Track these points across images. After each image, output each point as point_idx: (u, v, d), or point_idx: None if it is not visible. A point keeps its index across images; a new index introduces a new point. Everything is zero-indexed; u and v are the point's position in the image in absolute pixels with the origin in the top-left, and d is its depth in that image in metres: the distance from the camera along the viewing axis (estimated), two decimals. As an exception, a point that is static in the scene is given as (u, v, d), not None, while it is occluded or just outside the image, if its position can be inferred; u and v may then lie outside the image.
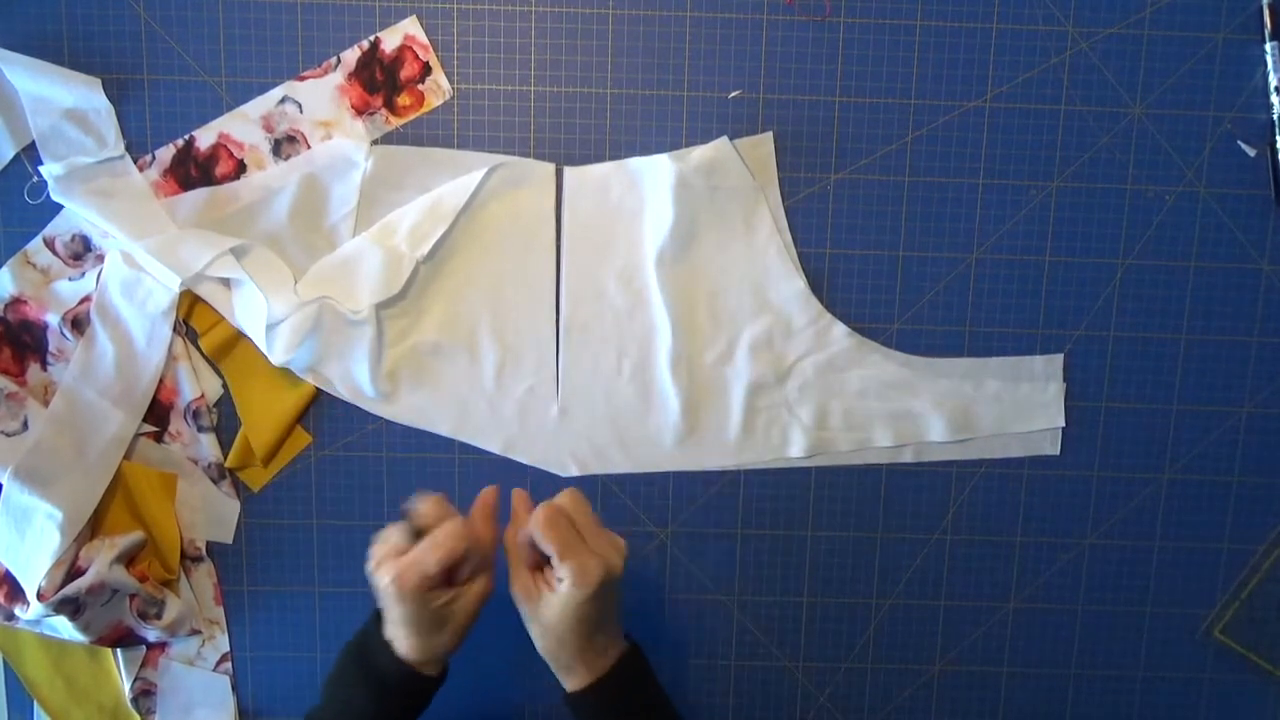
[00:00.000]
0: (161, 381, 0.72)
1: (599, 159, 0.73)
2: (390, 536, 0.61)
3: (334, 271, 0.72)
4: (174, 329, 0.72)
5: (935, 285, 0.75)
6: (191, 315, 0.73)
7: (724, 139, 0.72)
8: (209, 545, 0.75)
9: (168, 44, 0.72)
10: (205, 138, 0.72)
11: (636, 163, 0.73)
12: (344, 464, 0.75)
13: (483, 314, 0.74)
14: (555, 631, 0.60)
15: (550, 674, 0.63)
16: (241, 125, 0.72)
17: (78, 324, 0.72)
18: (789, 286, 0.74)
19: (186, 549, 0.75)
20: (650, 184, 0.73)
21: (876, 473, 0.76)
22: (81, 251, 0.72)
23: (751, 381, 0.74)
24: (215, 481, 0.74)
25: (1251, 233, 0.75)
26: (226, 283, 0.71)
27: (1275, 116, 0.73)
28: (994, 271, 0.75)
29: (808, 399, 0.75)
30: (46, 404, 0.71)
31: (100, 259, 0.72)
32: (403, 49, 0.72)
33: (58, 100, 0.71)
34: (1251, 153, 0.74)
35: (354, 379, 0.73)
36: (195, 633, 0.75)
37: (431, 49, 0.72)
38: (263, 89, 0.72)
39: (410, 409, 0.74)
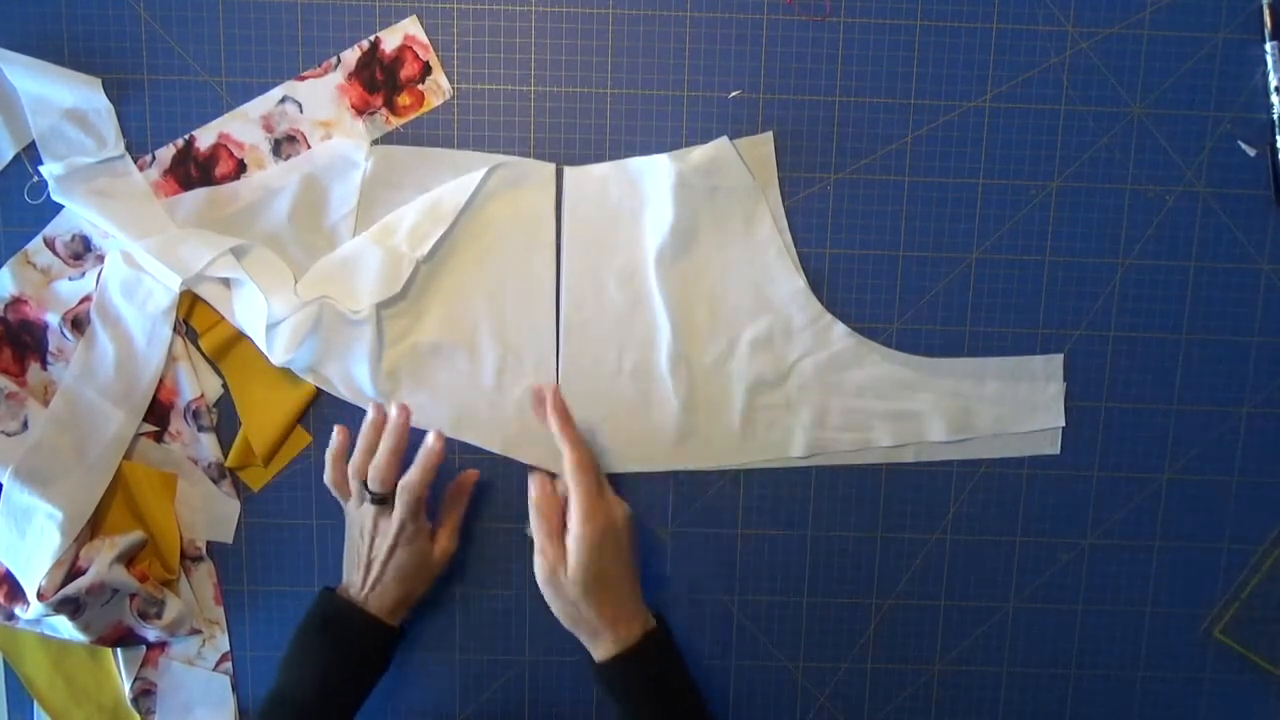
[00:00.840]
0: (161, 381, 0.72)
1: (599, 159, 0.73)
2: (355, 495, 0.69)
3: (334, 271, 0.72)
4: (174, 329, 0.72)
5: (935, 285, 0.75)
6: (191, 315, 0.73)
7: (724, 139, 0.72)
8: (209, 545, 0.75)
9: (168, 44, 0.72)
10: (205, 138, 0.72)
11: (636, 163, 0.73)
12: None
13: (483, 314, 0.74)
14: (575, 591, 0.65)
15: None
16: (241, 125, 0.72)
17: (78, 324, 0.72)
18: (789, 286, 0.74)
19: (186, 549, 0.75)
20: (650, 184, 0.73)
21: (876, 473, 0.76)
22: (81, 251, 0.72)
23: (751, 381, 0.74)
24: (215, 481, 0.74)
25: (1251, 233, 0.75)
26: (226, 283, 0.71)
27: (1275, 116, 0.73)
28: (994, 271, 0.75)
29: (808, 399, 0.75)
30: (46, 404, 0.71)
31: (100, 259, 0.72)
32: (403, 49, 0.72)
33: (58, 100, 0.71)
34: (1251, 153, 0.74)
35: (354, 379, 0.73)
36: (195, 632, 0.75)
37: (431, 49, 0.72)
38: (263, 89, 0.72)
39: (410, 409, 0.74)
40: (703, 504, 0.76)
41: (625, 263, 0.74)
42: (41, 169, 0.70)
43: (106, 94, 0.71)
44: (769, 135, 0.73)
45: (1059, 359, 0.76)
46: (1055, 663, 0.79)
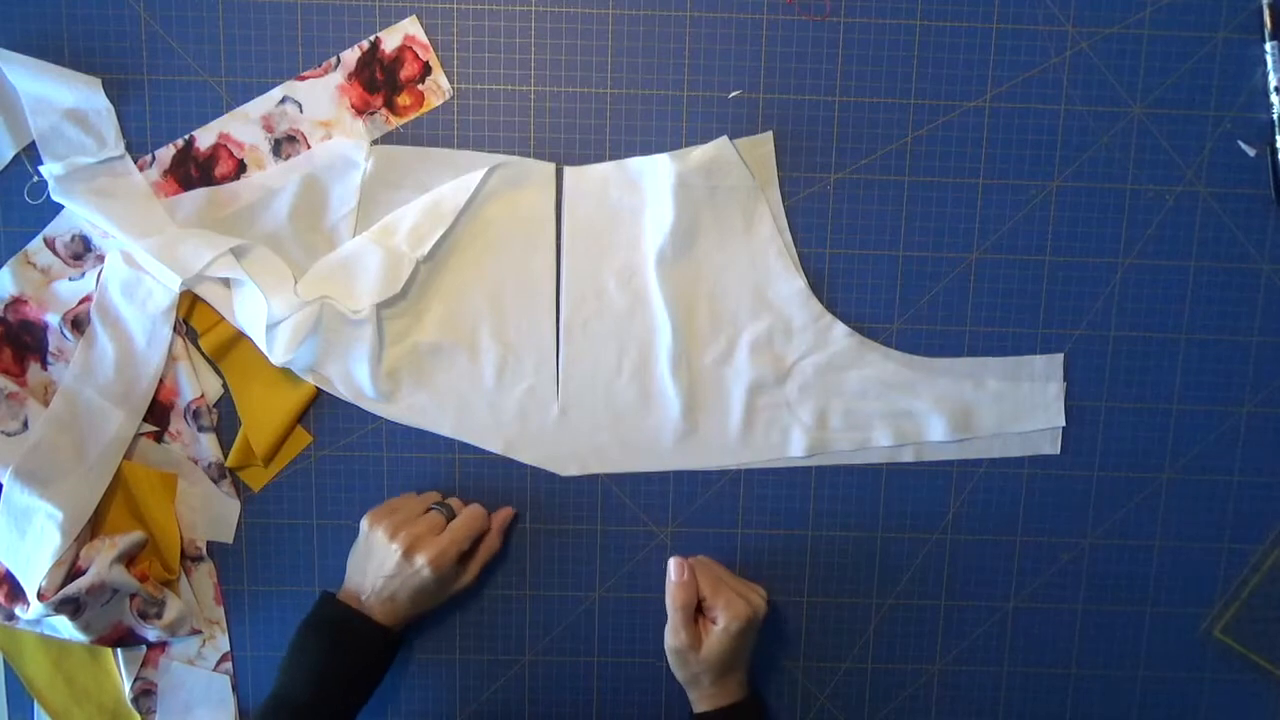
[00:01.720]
0: (161, 381, 0.72)
1: (599, 159, 0.73)
2: (412, 509, 0.71)
3: (334, 271, 0.72)
4: (174, 329, 0.72)
5: (935, 285, 0.75)
6: (191, 315, 0.73)
7: (724, 139, 0.72)
8: (209, 545, 0.75)
9: (168, 44, 0.72)
10: (205, 138, 0.72)
11: (636, 163, 0.73)
12: (344, 464, 0.75)
13: (483, 314, 0.74)
14: (702, 669, 0.68)
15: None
16: (241, 125, 0.72)
17: (78, 324, 0.72)
18: (789, 286, 0.74)
19: (186, 549, 0.75)
20: (650, 184, 0.73)
21: (876, 473, 0.76)
22: (81, 251, 0.72)
23: (751, 381, 0.74)
24: (215, 481, 0.74)
25: (1251, 233, 0.75)
26: (227, 283, 0.71)
27: (1275, 116, 0.73)
28: (994, 271, 0.75)
29: (808, 399, 0.75)
30: (46, 404, 0.71)
31: (100, 259, 0.72)
32: (403, 49, 0.72)
33: (58, 100, 0.71)
34: (1251, 153, 0.74)
35: (354, 379, 0.73)
36: (195, 632, 0.75)
37: (431, 49, 0.72)
38: (263, 89, 0.72)
39: (410, 409, 0.74)
40: (703, 504, 0.76)
41: (625, 263, 0.74)
42: (41, 169, 0.70)
43: (106, 94, 0.71)
44: (769, 135, 0.73)
45: (1059, 359, 0.76)
46: (1055, 663, 0.79)
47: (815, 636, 0.78)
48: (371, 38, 0.72)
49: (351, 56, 0.72)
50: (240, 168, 0.72)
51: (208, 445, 0.73)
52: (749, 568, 0.77)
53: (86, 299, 0.71)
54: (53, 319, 0.72)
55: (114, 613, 0.70)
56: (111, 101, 0.71)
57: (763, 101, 0.73)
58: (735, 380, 0.74)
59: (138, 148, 0.72)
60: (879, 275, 0.75)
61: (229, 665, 0.76)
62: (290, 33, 0.72)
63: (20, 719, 0.76)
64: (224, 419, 0.74)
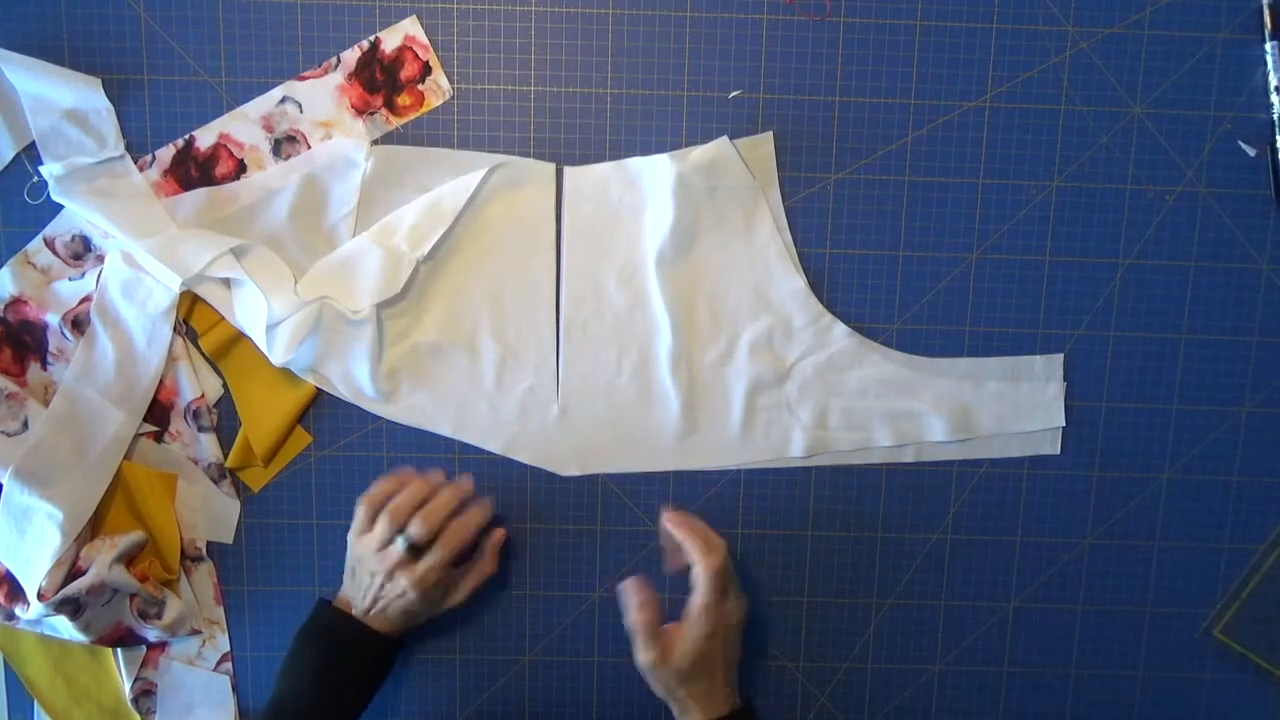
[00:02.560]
0: (161, 381, 0.72)
1: (599, 159, 0.73)
2: (380, 535, 0.68)
3: (334, 271, 0.72)
4: (174, 329, 0.72)
5: (935, 285, 0.75)
6: (191, 315, 0.73)
7: (724, 139, 0.72)
8: (209, 545, 0.75)
9: (168, 44, 0.72)
10: (205, 138, 0.72)
11: (636, 163, 0.73)
12: (344, 464, 0.75)
13: (483, 314, 0.74)
14: (673, 680, 0.67)
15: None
16: (241, 125, 0.72)
17: (78, 324, 0.72)
18: (789, 286, 0.74)
19: (186, 549, 0.75)
20: (650, 184, 0.73)
21: (876, 473, 0.76)
22: (81, 251, 0.72)
23: (751, 381, 0.74)
24: (215, 481, 0.74)
25: (1251, 233, 0.75)
26: (227, 283, 0.71)
27: (1275, 116, 0.73)
28: (994, 271, 0.75)
29: (808, 399, 0.75)
30: (46, 404, 0.71)
31: (100, 259, 0.72)
32: (403, 49, 0.72)
33: (58, 100, 0.71)
34: (1251, 153, 0.74)
35: (354, 379, 0.73)
36: (195, 633, 0.75)
37: (431, 49, 0.72)
38: (263, 89, 0.72)
39: (410, 409, 0.74)
40: (703, 504, 0.76)
41: (625, 263, 0.74)
42: (41, 169, 0.70)
43: (106, 94, 0.71)
44: (769, 135, 0.73)
45: (1059, 359, 0.76)
46: (1055, 663, 0.79)
47: (815, 636, 0.78)
48: (371, 38, 0.72)
49: (351, 56, 0.72)
50: (240, 168, 0.72)
51: (208, 445, 0.73)
52: (749, 568, 0.77)
53: (86, 299, 0.71)
54: (53, 319, 0.72)
55: (114, 613, 0.70)
56: (111, 101, 0.71)
57: (763, 101, 0.73)
58: (735, 380, 0.74)
59: (138, 148, 0.72)
60: (879, 275, 0.75)
61: (229, 665, 0.76)
62: (290, 33, 0.72)
63: (20, 719, 0.76)
64: (224, 419, 0.74)
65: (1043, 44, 0.73)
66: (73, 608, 0.68)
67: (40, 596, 0.67)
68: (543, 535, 0.76)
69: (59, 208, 0.72)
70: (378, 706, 0.73)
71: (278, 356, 0.70)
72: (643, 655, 0.67)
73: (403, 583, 0.67)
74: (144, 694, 0.75)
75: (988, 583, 0.78)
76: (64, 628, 0.69)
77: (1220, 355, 0.76)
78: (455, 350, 0.74)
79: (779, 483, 0.76)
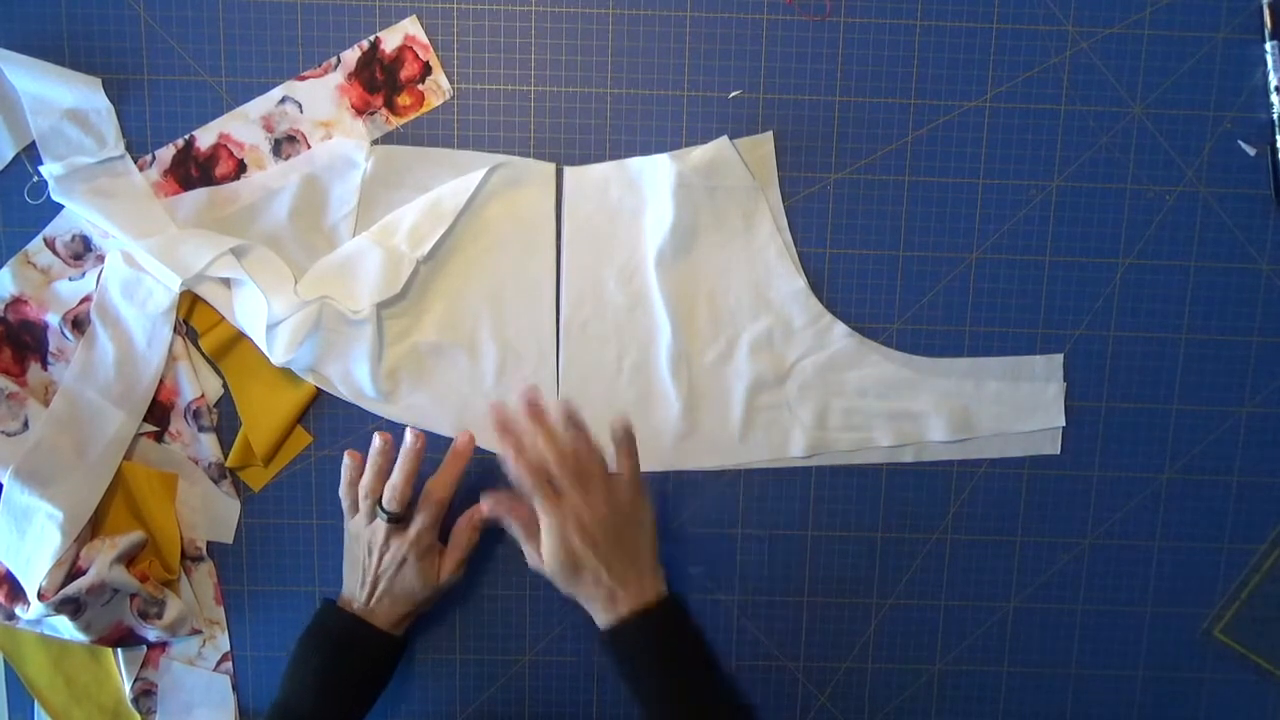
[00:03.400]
0: (161, 381, 0.72)
1: (599, 159, 0.73)
2: (366, 512, 0.69)
3: (334, 271, 0.72)
4: (174, 329, 0.72)
5: (935, 285, 0.75)
6: (191, 315, 0.73)
7: (724, 139, 0.72)
8: (209, 545, 0.75)
9: (168, 44, 0.72)
10: (205, 138, 0.72)
11: (636, 163, 0.73)
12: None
13: (483, 314, 0.74)
14: (551, 566, 0.65)
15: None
16: (241, 125, 0.72)
17: (78, 324, 0.72)
18: (789, 286, 0.74)
19: (187, 549, 0.75)
20: (650, 184, 0.73)
21: (876, 473, 0.76)
22: (82, 251, 0.72)
23: (751, 381, 0.74)
24: (215, 481, 0.74)
25: (1251, 233, 0.75)
26: (227, 283, 0.71)
27: (1275, 116, 0.73)
28: (994, 271, 0.75)
29: (808, 399, 0.75)
30: (47, 404, 0.71)
31: (100, 259, 0.72)
32: (403, 49, 0.72)
33: (58, 100, 0.71)
34: (1251, 153, 0.74)
35: (354, 379, 0.73)
36: (195, 632, 0.75)
37: (431, 49, 0.72)
38: (263, 89, 0.72)
39: (410, 409, 0.74)
40: (703, 504, 0.76)
41: (625, 263, 0.74)
42: (41, 169, 0.70)
43: (106, 94, 0.71)
44: (769, 135, 0.73)
45: (1059, 359, 0.76)
46: (1055, 663, 0.79)
47: (815, 636, 0.78)
48: (371, 38, 0.72)
49: (351, 56, 0.72)
50: (240, 168, 0.73)
51: (208, 445, 0.73)
52: (749, 568, 0.77)
53: (86, 299, 0.71)
54: (53, 319, 0.72)
55: (114, 613, 0.70)
56: (111, 101, 0.71)
57: (763, 101, 0.73)
58: (735, 380, 0.74)
59: (138, 148, 0.72)
60: (879, 275, 0.75)
61: (229, 665, 0.76)
62: (290, 33, 0.72)
63: (20, 719, 0.76)
64: (224, 419, 0.74)
65: (1043, 44, 0.73)
66: (73, 608, 0.68)
67: (40, 596, 0.67)
68: (543, 535, 0.76)
69: (59, 208, 0.72)
70: (378, 707, 0.73)
71: (278, 356, 0.70)
72: (530, 560, 0.67)
73: (398, 547, 0.68)
74: (144, 694, 0.75)
75: (988, 583, 0.78)
76: (64, 628, 0.69)
77: (1220, 355, 0.76)
78: (455, 350, 0.74)
79: (779, 483, 0.76)
